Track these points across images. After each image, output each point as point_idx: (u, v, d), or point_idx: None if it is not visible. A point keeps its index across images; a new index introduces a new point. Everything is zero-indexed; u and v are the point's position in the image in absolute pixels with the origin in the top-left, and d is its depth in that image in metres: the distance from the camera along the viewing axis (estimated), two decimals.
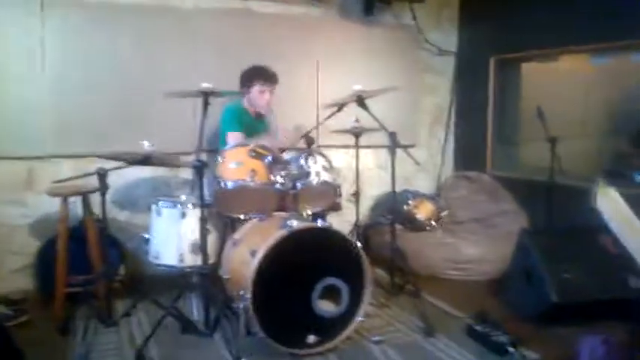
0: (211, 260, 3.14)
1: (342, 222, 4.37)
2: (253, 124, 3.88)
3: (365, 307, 2.96)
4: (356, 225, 4.22)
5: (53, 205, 3.57)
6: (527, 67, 4.94)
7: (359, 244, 2.95)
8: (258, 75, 3.83)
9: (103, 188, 3.02)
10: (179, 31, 4.20)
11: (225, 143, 3.58)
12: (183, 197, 3.37)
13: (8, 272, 3.89)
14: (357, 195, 4.21)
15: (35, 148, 3.88)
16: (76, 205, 3.62)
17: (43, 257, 3.80)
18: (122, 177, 4.03)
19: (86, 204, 3.50)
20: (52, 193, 3.41)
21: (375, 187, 5.02)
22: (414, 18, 4.94)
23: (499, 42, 4.87)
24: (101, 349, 2.92)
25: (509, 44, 4.76)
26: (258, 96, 3.83)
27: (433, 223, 4.48)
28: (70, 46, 3.91)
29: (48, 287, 3.54)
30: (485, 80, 5.01)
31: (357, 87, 3.58)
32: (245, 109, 3.91)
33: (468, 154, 5.34)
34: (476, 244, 4.26)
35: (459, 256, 4.21)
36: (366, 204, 4.96)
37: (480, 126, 5.09)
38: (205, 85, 2.94)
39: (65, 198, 3.38)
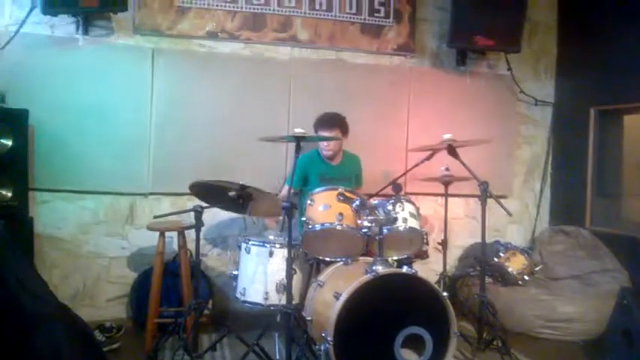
0: (295, 300, 3.16)
1: (428, 271, 4.29)
2: (327, 170, 3.93)
3: (449, 359, 2.85)
4: (442, 275, 4.12)
5: (150, 239, 3.80)
6: (629, 119, 4.69)
7: (445, 294, 2.87)
8: (318, 121, 3.90)
9: (199, 225, 3.17)
10: (275, 80, 4.39)
11: (312, 187, 3.65)
12: (271, 237, 3.46)
13: (105, 301, 4.12)
14: (444, 244, 4.13)
15: (138, 185, 4.14)
16: (172, 240, 3.83)
17: (138, 288, 4.00)
18: (215, 216, 4.20)
19: (182, 239, 3.67)
20: (152, 228, 3.61)
21: (464, 237, 4.89)
22: (509, 68, 4.88)
23: (600, 93, 4.68)
24: None
25: (610, 95, 4.56)
26: (320, 142, 3.90)
27: (526, 277, 4.28)
28: (175, 93, 4.18)
29: (141, 317, 3.73)
30: (584, 131, 4.80)
31: (447, 136, 3.56)
32: (319, 155, 3.99)
33: (566, 208, 5.09)
34: (573, 302, 4.00)
35: (553, 314, 3.96)
36: (454, 254, 4.83)
37: (578, 178, 4.86)
38: (298, 130, 3.04)
39: (163, 233, 3.57)
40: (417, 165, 3.91)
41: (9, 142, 3.53)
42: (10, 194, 3.53)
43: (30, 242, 3.78)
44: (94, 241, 4.10)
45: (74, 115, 3.95)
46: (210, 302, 4.01)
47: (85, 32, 3.96)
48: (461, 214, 4.91)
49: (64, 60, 3.94)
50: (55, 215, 4.01)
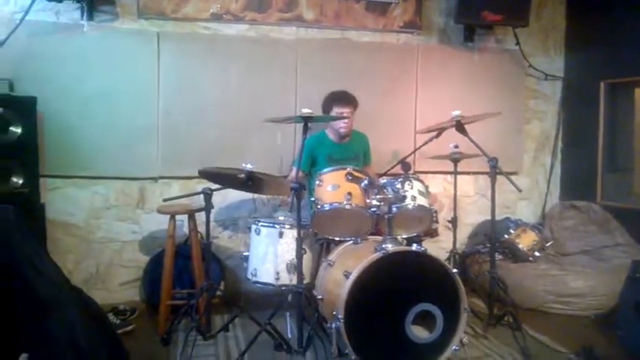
0: (306, 280, 3.19)
1: (438, 249, 4.30)
2: (335, 150, 3.92)
3: (460, 335, 2.86)
4: (452, 252, 4.13)
5: (161, 222, 3.83)
6: None
7: (455, 271, 2.87)
8: (333, 99, 3.87)
9: (209, 207, 3.19)
10: (281, 61, 4.37)
11: (320, 167, 3.64)
12: (281, 217, 3.48)
13: (118, 285, 4.17)
14: (454, 221, 4.13)
15: (147, 170, 4.16)
16: (182, 223, 3.87)
17: (150, 271, 4.04)
18: (225, 198, 4.23)
19: (192, 222, 3.70)
20: (162, 211, 3.64)
21: (474, 215, 4.89)
22: (518, 43, 4.82)
23: (610, 66, 4.62)
24: None
25: (620, 68, 4.50)
26: (333, 121, 3.89)
27: (537, 253, 4.28)
28: (182, 76, 4.18)
29: (153, 300, 3.78)
30: (595, 106, 4.75)
31: (456, 112, 3.55)
32: (327, 136, 3.97)
33: (576, 183, 5.06)
34: (584, 277, 3.99)
35: (564, 289, 3.96)
36: (464, 231, 4.83)
37: (589, 153, 4.82)
38: (305, 111, 3.03)
39: (173, 216, 3.59)
40: (425, 143, 3.90)
41: (18, 130, 3.55)
42: (21, 181, 3.56)
43: (42, 228, 3.83)
44: (105, 226, 4.14)
45: (82, 101, 3.97)
46: (222, 284, 4.07)
47: (90, 18, 3.95)
48: (471, 191, 4.90)
49: (70, 46, 3.94)
50: (66, 201, 4.05)
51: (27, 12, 3.82)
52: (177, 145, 4.16)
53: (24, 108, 3.61)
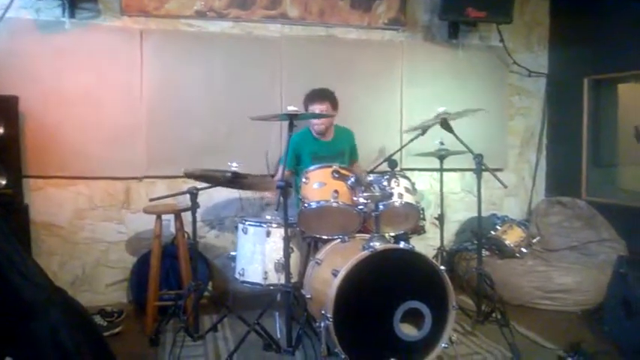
0: (294, 279, 3.17)
1: (425, 246, 4.31)
2: (319, 147, 3.90)
3: (449, 332, 2.87)
4: (440, 249, 4.14)
5: (147, 222, 3.80)
6: (624, 88, 4.67)
7: (443, 268, 2.87)
8: (308, 97, 3.87)
9: (194, 207, 3.16)
10: (266, 58, 4.34)
11: (304, 165, 3.62)
12: (268, 217, 3.46)
13: (104, 286, 4.12)
14: (441, 218, 4.14)
15: (132, 169, 4.12)
16: (169, 222, 3.83)
17: (137, 272, 4.00)
18: (211, 197, 4.20)
19: (179, 222, 3.67)
20: (148, 211, 3.60)
21: (461, 212, 4.91)
22: (502, 40, 4.84)
23: (593, 62, 4.66)
24: None
25: (603, 64, 4.54)
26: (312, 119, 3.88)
27: (523, 249, 4.30)
28: (165, 74, 4.14)
29: (141, 301, 3.74)
30: (578, 102, 4.79)
31: (441, 109, 3.55)
32: (310, 133, 3.95)
33: (561, 179, 5.09)
34: (570, 273, 4.02)
35: (550, 285, 3.99)
36: (451, 228, 4.85)
37: (574, 149, 4.86)
38: (291, 108, 3.01)
39: (159, 216, 3.55)
40: (411, 140, 3.90)
41: (0, 130, 3.49)
42: (4, 182, 3.50)
43: (26, 230, 3.78)
44: (90, 227, 4.09)
45: (64, 100, 3.91)
46: (210, 284, 4.05)
47: (72, 15, 3.89)
48: (457, 188, 4.92)
49: (51, 44, 3.88)
50: (50, 202, 3.99)
51: (7, 9, 3.75)
52: (162, 143, 4.12)
53: (6, 107, 3.55)
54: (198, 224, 3.49)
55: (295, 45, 4.42)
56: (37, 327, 1.97)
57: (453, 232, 4.90)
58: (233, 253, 3.42)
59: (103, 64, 3.99)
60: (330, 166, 3.18)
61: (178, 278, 3.77)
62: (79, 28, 3.93)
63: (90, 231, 4.08)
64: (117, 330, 3.47)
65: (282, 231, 3.07)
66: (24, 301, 2.02)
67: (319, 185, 3.14)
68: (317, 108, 3.79)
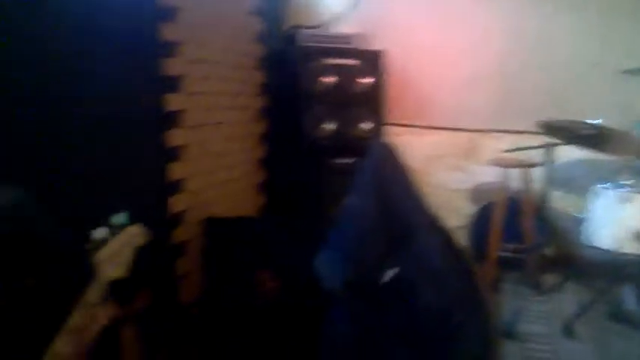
0: None
1: None
2: None
3: None
4: None
5: (488, 175, 3.91)
6: None
7: None
8: None
9: (547, 163, 3.12)
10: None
11: None
12: (627, 181, 3.20)
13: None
14: None
15: (476, 122, 4.23)
16: (512, 177, 3.85)
17: (477, 221, 4.17)
18: (561, 155, 4.03)
19: (525, 178, 3.65)
20: (495, 163, 3.68)
21: None
22: None
23: None
24: (529, 315, 3.09)
25: None
26: None
27: None
28: (515, 22, 4.07)
29: (479, 249, 3.89)
30: None
31: None
32: None
33: None
34: None
35: None
36: None
37: None
38: None
39: (506, 169, 3.61)
40: None
41: (370, 80, 3.96)
42: (369, 127, 3.99)
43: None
44: (436, 174, 4.38)
45: (422, 53, 4.23)
46: (552, 244, 3.96)
47: None
48: None
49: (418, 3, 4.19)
50: (404, 148, 4.37)
51: None
52: (509, 96, 4.12)
53: (375, 60, 4.00)
54: (545, 182, 3.41)
55: None
56: (419, 246, 2.19)
57: None
58: (581, 216, 3.29)
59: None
60: None
61: (515, 234, 3.79)
62: None
63: (435, 177, 4.38)
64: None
65: None
66: (409, 223, 2.27)
67: None
68: None
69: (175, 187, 2.81)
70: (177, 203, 2.82)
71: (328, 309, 2.08)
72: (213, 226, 2.91)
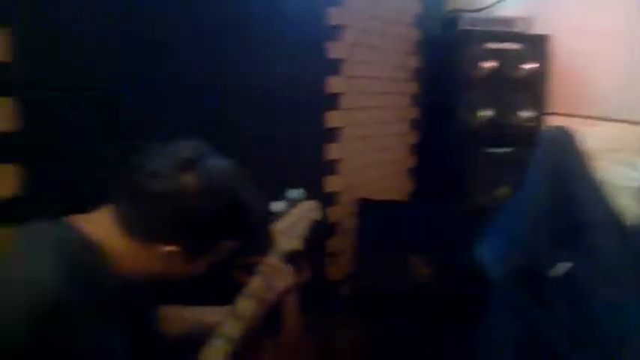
0: None
1: None
2: None
3: None
4: None
5: None
6: None
7: None
8: None
9: None
10: None
11: None
12: None
13: None
14: None
15: None
16: None
17: None
18: None
19: None
20: None
21: None
22: None
23: None
24: None
25: None
26: None
27: None
28: None
29: None
30: None
31: None
32: None
33: None
34: None
35: None
36: None
37: None
38: None
39: None
40: None
41: (532, 66, 3.74)
42: (531, 115, 3.77)
43: None
44: (603, 168, 4.04)
45: (593, 39, 3.89)
46: None
47: None
48: None
49: None
50: None
51: None
52: None
53: (540, 45, 3.77)
54: None
55: None
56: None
57: None
58: None
59: None
60: None
61: None
62: None
63: (603, 173, 4.04)
64: None
65: None
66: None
67: None
68: None
69: (332, 167, 2.88)
70: (332, 183, 2.89)
71: (487, 300, 2.01)
72: (366, 207, 2.94)
